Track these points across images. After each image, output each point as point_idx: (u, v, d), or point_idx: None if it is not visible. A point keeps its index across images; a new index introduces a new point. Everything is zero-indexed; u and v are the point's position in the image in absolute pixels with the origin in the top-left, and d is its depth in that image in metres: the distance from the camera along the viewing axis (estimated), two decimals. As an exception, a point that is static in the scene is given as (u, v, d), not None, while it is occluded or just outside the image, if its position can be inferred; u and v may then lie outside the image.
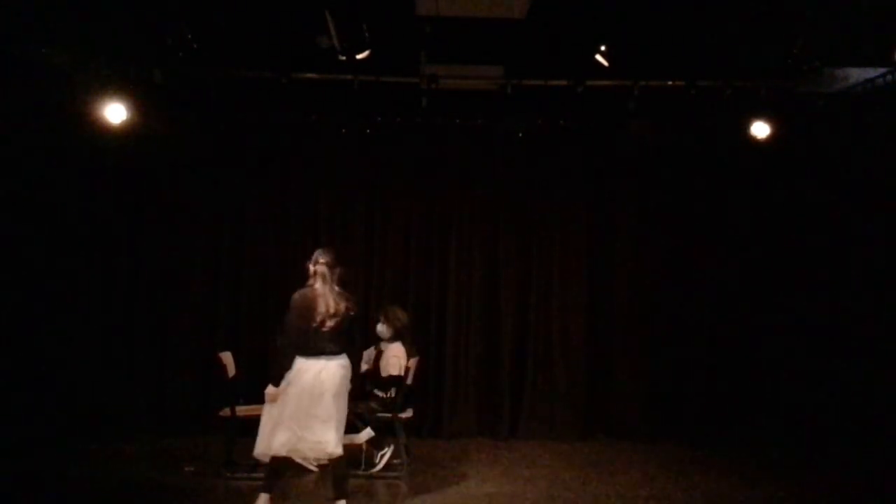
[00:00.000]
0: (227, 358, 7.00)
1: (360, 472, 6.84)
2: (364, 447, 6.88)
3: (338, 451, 5.46)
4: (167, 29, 6.55)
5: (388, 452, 6.93)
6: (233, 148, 8.52)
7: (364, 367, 7.19)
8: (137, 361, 8.35)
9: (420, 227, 8.74)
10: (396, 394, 6.97)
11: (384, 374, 7.06)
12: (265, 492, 5.55)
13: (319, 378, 5.40)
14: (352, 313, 5.51)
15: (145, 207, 8.45)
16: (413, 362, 7.12)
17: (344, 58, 6.58)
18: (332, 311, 5.42)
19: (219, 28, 6.68)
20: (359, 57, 6.58)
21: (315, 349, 5.44)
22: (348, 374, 5.53)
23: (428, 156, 8.72)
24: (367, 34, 6.39)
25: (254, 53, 7.13)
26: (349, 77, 7.28)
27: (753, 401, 8.46)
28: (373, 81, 7.31)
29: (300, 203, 8.66)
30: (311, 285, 5.51)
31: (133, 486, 6.45)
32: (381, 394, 7.04)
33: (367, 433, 6.83)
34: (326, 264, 5.52)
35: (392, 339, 7.18)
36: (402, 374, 7.00)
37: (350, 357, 5.60)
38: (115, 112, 7.19)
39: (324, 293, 5.46)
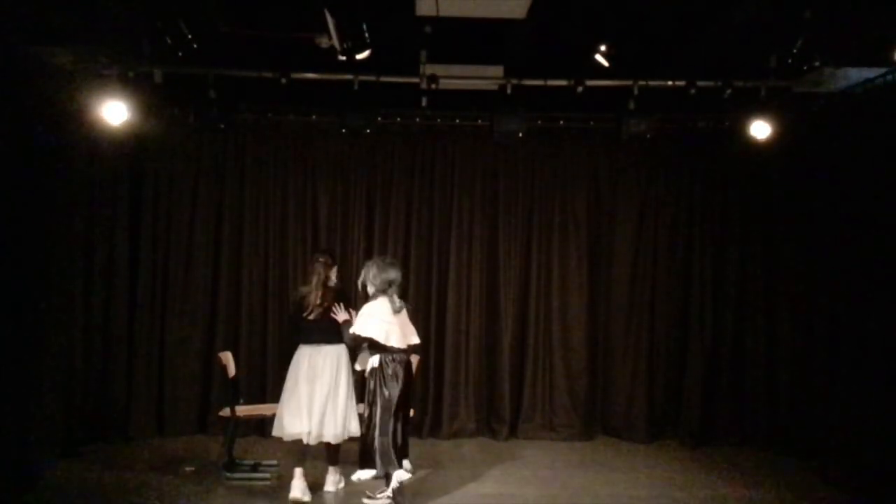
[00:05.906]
0: (227, 358, 7.01)
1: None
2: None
3: (349, 433, 6.23)
4: (167, 29, 6.54)
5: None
6: (232, 148, 8.52)
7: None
8: (137, 361, 8.32)
9: (420, 227, 8.72)
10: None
11: None
12: (298, 466, 6.17)
13: (311, 363, 6.17)
14: (332, 309, 6.21)
15: (145, 206, 8.44)
16: (414, 360, 7.09)
17: (344, 58, 6.58)
18: (317, 302, 6.23)
19: (219, 28, 6.67)
20: (359, 57, 6.59)
21: (306, 338, 6.25)
22: (340, 361, 6.22)
23: (428, 156, 8.73)
24: (367, 34, 6.39)
25: (254, 53, 7.13)
26: (349, 77, 7.28)
27: (753, 401, 8.47)
28: (373, 81, 7.31)
29: (300, 203, 8.66)
30: (308, 281, 6.42)
31: (133, 487, 6.46)
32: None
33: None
34: (319, 262, 6.40)
35: None
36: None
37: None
38: (115, 112, 7.19)
39: (314, 287, 6.28)
